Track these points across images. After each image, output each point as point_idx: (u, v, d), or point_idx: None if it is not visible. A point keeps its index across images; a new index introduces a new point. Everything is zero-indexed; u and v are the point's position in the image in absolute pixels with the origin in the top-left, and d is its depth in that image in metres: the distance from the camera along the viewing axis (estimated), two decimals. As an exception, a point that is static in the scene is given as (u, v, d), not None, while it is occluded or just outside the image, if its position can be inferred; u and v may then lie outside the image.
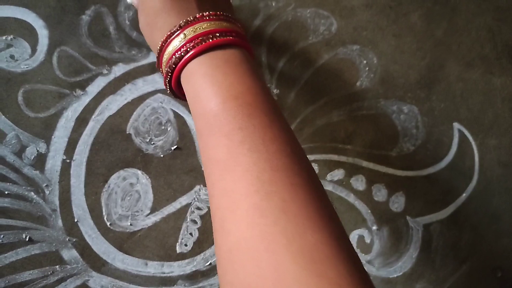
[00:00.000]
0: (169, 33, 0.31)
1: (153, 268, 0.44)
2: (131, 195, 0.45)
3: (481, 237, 0.53)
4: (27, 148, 0.43)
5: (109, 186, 0.44)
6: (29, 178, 0.43)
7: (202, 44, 0.29)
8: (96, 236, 0.43)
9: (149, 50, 0.47)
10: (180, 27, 0.30)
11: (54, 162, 0.43)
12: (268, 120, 0.28)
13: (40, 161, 0.43)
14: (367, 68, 0.51)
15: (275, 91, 0.49)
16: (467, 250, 0.53)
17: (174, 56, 0.30)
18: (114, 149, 0.45)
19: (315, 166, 0.49)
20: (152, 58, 0.47)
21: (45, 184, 0.43)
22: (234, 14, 0.35)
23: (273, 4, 0.50)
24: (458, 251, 0.52)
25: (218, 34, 0.30)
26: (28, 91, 0.44)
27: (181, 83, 0.32)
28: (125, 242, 0.44)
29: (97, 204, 0.44)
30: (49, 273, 0.42)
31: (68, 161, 0.44)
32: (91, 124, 0.45)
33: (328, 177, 0.49)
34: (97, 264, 0.43)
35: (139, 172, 0.45)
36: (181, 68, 0.31)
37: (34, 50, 0.45)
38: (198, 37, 0.30)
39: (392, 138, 0.51)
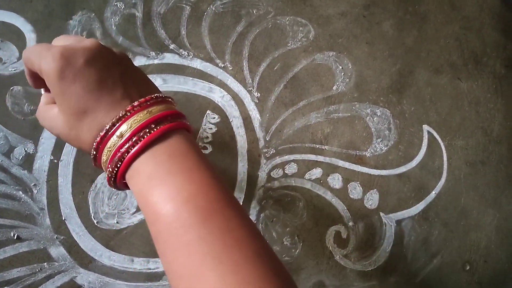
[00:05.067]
0: (102, 134, 0.28)
1: (139, 264, 0.46)
2: (118, 194, 0.46)
3: (451, 233, 0.56)
4: (16, 149, 0.44)
5: (96, 186, 0.46)
6: (17, 178, 0.44)
7: (141, 140, 0.28)
8: (83, 234, 0.45)
9: (135, 54, 0.49)
10: (113, 124, 0.28)
11: (42, 162, 0.45)
12: (226, 222, 0.26)
13: (28, 161, 0.44)
14: (342, 73, 0.54)
15: (256, 94, 0.51)
16: (437, 245, 0.55)
17: (114, 159, 0.28)
18: (101, 150, 0.46)
19: (295, 166, 0.51)
20: (137, 62, 0.49)
21: (33, 184, 0.44)
22: (154, 86, 0.33)
23: (254, 12, 0.53)
24: (429, 246, 0.55)
25: (154, 125, 0.28)
26: (16, 93, 0.45)
27: (127, 181, 0.30)
28: (111, 239, 0.45)
29: (84, 203, 0.45)
30: (37, 270, 0.43)
31: (55, 161, 0.45)
32: (78, 125, 0.46)
33: (307, 176, 0.52)
34: (85, 261, 0.44)
35: (126, 171, 0.47)
36: (124, 169, 0.29)
37: (21, 53, 0.46)
38: (135, 133, 0.28)
39: (366, 139, 0.54)
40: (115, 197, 0.46)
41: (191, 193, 0.27)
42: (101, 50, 0.30)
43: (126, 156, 0.28)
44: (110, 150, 0.28)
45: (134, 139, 0.28)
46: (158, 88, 0.33)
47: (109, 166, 0.29)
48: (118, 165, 0.28)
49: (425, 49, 0.58)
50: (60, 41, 0.31)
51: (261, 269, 0.25)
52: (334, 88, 0.54)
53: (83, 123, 0.29)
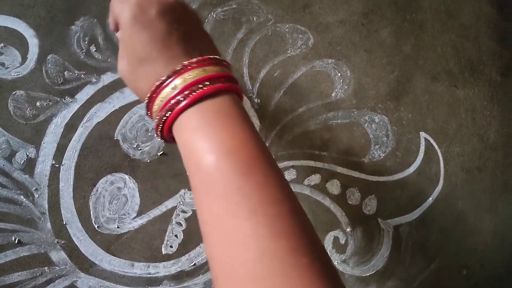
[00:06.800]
0: (158, 83, 0.30)
1: (140, 269, 0.46)
2: (119, 198, 0.47)
3: (448, 238, 0.57)
4: (17, 153, 0.45)
5: (97, 190, 0.46)
6: (19, 182, 0.44)
7: (192, 94, 0.29)
8: (84, 238, 0.45)
9: (136, 60, 0.49)
10: (169, 77, 0.30)
11: (43, 167, 0.45)
12: (264, 178, 0.27)
13: (29, 166, 0.45)
14: (341, 80, 0.55)
15: (256, 100, 0.52)
16: (434, 250, 0.56)
17: (164, 108, 0.30)
18: (102, 155, 0.47)
19: (293, 172, 0.52)
20: (139, 68, 0.49)
21: (34, 188, 0.44)
22: (216, 49, 0.35)
23: (254, 19, 0.53)
24: (426, 251, 0.56)
25: (208, 83, 0.29)
26: (18, 98, 0.45)
27: (173, 133, 0.31)
28: (112, 244, 0.46)
29: (85, 207, 0.46)
30: (38, 274, 0.43)
31: (57, 165, 0.45)
32: (79, 130, 0.46)
33: (306, 181, 0.52)
34: (85, 265, 0.45)
35: (127, 176, 0.47)
36: (173, 119, 0.30)
37: (24, 58, 0.46)
38: (188, 87, 0.29)
39: (364, 146, 0.55)
40: (116, 201, 0.46)
41: (233, 147, 0.28)
42: (174, 5, 0.32)
43: (176, 107, 0.30)
44: (162, 100, 0.30)
45: (186, 92, 0.29)
46: (218, 52, 0.35)
47: (159, 114, 0.31)
48: (168, 114, 0.30)
49: (423, 57, 0.59)
50: None
51: (294, 226, 0.26)
52: (333, 95, 0.55)
53: (142, 70, 0.31)
